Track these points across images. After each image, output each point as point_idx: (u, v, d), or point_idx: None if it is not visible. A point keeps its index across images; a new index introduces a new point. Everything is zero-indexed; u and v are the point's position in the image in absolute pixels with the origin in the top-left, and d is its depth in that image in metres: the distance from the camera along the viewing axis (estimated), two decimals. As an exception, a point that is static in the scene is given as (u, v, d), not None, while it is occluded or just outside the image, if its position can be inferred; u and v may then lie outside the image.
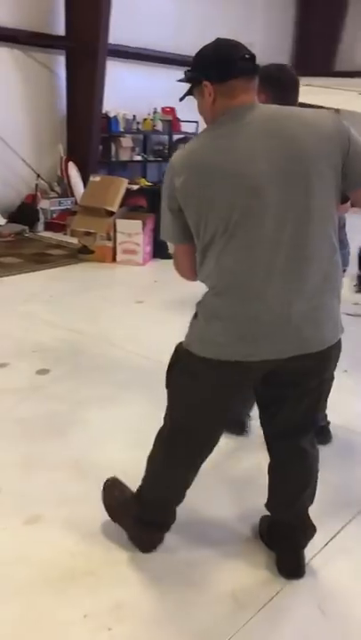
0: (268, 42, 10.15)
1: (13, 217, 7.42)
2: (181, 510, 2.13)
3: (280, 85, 2.34)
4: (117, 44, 7.90)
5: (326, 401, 2.06)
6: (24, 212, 7.48)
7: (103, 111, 8.13)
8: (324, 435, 2.82)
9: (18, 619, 1.87)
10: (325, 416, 2.82)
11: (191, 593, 1.98)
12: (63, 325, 4.36)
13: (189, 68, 1.79)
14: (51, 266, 6.07)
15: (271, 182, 1.65)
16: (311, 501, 2.07)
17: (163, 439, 2.05)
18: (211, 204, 1.69)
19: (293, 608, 1.95)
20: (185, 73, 1.81)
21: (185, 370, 1.89)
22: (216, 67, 1.71)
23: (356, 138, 1.73)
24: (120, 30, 7.79)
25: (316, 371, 1.87)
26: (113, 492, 2.25)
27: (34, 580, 2.01)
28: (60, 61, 7.93)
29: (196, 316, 1.87)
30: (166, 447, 2.04)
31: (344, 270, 2.71)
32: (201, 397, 1.89)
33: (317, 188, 1.68)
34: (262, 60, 1.87)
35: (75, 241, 6.58)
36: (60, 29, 7.66)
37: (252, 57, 1.72)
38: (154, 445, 2.08)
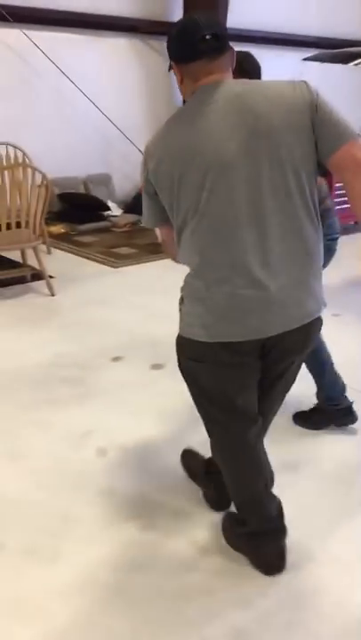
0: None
1: (129, 207, 7.47)
2: (304, 532, 1.94)
3: (243, 73, 2.19)
4: (234, 27, 7.66)
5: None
6: (139, 203, 7.43)
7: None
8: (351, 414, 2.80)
9: (132, 633, 1.78)
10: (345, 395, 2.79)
11: (319, 625, 1.80)
12: (178, 318, 4.27)
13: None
14: (164, 256, 6.01)
15: (237, 160, 1.62)
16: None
17: (210, 438, 1.99)
18: (180, 185, 1.68)
19: None
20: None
21: (189, 357, 1.85)
22: (177, 50, 1.71)
23: (324, 103, 1.65)
24: (237, 14, 7.56)
25: (298, 347, 1.84)
26: (228, 521, 2.15)
27: (149, 593, 1.92)
28: (177, 49, 7.84)
29: (182, 300, 1.85)
30: (215, 444, 2.00)
31: (337, 237, 2.61)
32: (214, 379, 1.84)
33: (286, 162, 1.63)
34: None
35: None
36: (178, 17, 7.56)
37: (215, 36, 1.66)
38: (211, 449, 2.04)
